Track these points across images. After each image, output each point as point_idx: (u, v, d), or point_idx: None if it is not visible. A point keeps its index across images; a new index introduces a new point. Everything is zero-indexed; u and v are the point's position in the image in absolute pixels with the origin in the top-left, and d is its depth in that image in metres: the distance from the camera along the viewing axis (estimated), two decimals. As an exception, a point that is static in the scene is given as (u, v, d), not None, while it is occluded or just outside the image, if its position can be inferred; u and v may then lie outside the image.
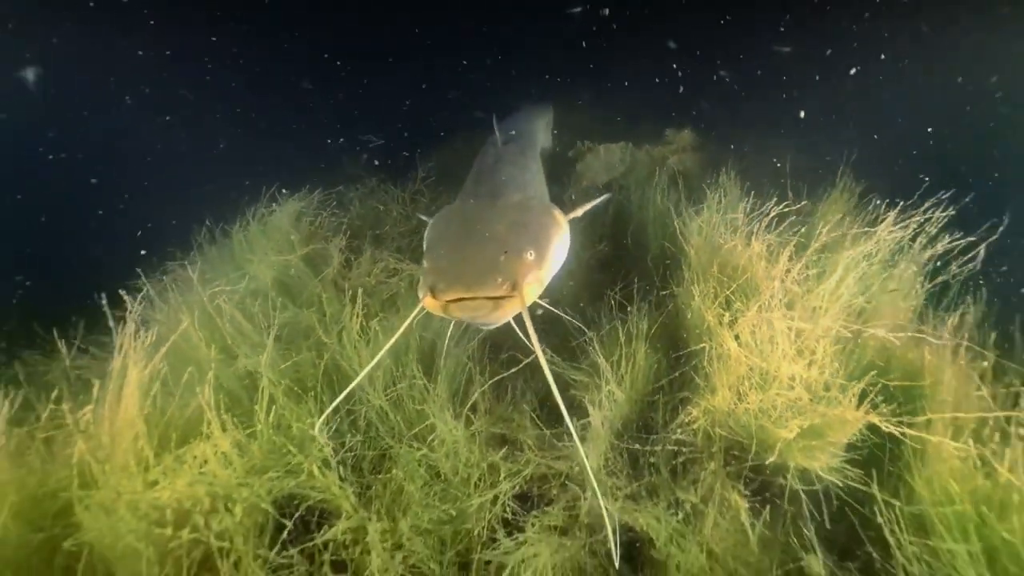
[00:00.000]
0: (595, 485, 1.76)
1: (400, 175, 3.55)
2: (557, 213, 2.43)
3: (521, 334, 2.18)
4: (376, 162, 3.67)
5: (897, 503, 1.65)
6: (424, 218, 2.84)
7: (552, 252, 2.19)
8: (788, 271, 2.11)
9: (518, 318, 1.99)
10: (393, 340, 1.83)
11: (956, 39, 4.15)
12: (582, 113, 4.34)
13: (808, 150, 3.97)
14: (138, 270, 2.49)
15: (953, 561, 1.52)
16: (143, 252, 2.71)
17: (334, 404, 1.88)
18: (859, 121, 4.27)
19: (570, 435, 2.04)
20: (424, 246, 2.31)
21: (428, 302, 1.92)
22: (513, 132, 3.36)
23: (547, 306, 2.37)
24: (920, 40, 4.42)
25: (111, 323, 1.99)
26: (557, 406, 1.63)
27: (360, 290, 2.39)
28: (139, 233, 2.96)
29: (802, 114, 4.11)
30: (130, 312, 2.09)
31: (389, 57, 4.52)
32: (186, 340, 2.24)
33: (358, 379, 1.87)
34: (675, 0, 5.05)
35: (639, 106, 4.29)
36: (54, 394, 2.04)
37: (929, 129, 4.25)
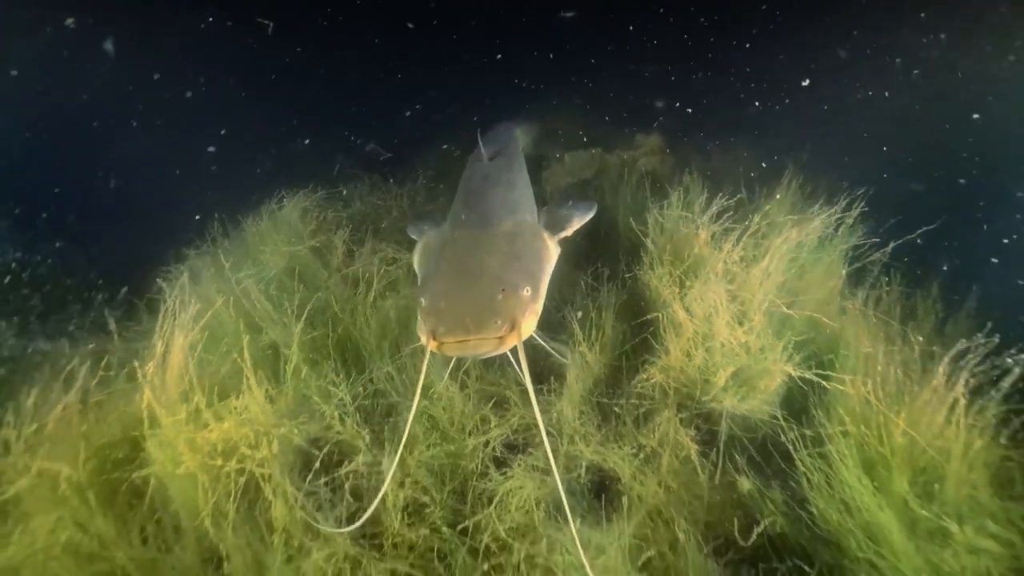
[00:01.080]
0: (545, 436, 1.89)
1: (396, 174, 4.02)
2: (547, 238, 2.60)
3: (513, 360, 2.36)
4: (375, 162, 4.13)
5: (807, 431, 2.18)
6: (412, 236, 2.98)
7: (545, 280, 2.37)
8: (729, 254, 2.65)
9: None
10: (420, 383, 1.96)
11: (910, 42, 4.73)
12: (558, 119, 4.85)
13: (767, 152, 4.54)
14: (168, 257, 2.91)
15: (842, 469, 2.04)
16: (164, 244, 3.13)
17: (400, 445, 1.96)
18: (814, 125, 4.85)
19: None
20: (418, 278, 2.45)
21: (424, 342, 2.10)
22: (498, 147, 3.47)
23: (541, 340, 2.44)
24: (872, 46, 5.02)
25: (164, 291, 2.42)
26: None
27: (369, 274, 2.88)
28: (158, 228, 3.36)
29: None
30: (168, 293, 2.54)
31: (386, 61, 4.99)
32: (215, 317, 2.68)
33: (408, 423, 1.95)
34: (650, 10, 5.60)
35: (612, 112, 4.82)
36: (103, 361, 2.49)
37: (880, 131, 4.86)
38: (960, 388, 2.04)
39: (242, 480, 2.10)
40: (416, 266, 2.58)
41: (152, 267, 2.91)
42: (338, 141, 4.29)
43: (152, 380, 2.24)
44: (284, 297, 2.80)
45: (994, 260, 3.32)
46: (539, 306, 2.25)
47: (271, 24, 3.89)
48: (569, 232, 2.83)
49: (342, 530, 2.02)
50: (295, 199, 3.46)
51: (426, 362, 2.04)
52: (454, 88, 5.12)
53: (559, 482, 1.83)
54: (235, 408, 2.18)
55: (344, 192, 3.64)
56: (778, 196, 3.50)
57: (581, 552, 1.77)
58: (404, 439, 1.97)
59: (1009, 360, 2.16)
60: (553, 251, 2.56)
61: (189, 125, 3.75)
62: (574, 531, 1.77)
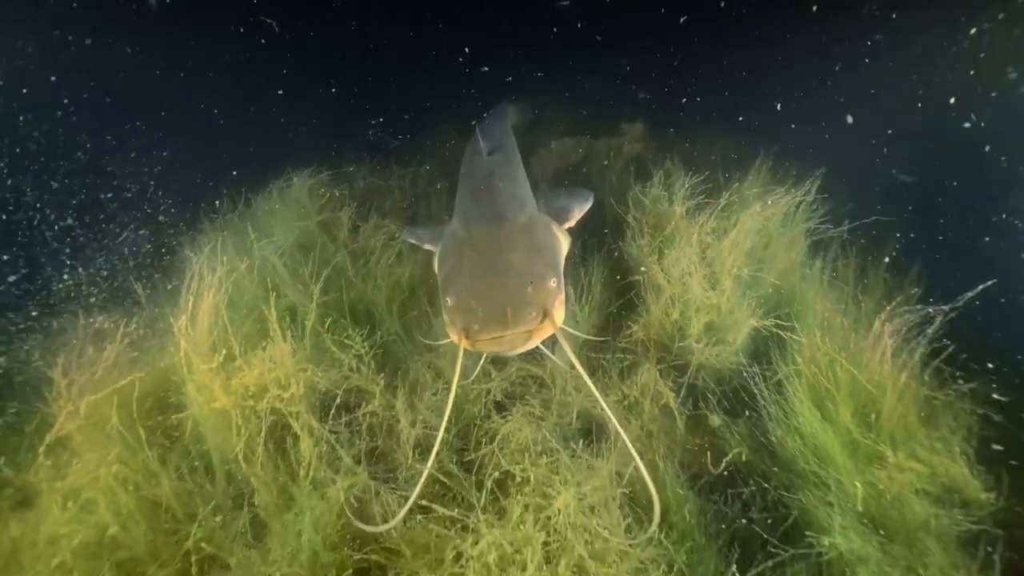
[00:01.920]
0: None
1: (397, 156, 4.36)
2: (556, 228, 2.70)
3: (546, 353, 2.53)
4: (378, 144, 4.46)
5: (768, 374, 2.59)
6: (410, 240, 3.12)
7: (562, 271, 2.45)
8: (703, 226, 3.05)
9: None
10: (455, 381, 2.08)
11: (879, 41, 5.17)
12: (548, 107, 5.24)
13: (744, 140, 4.96)
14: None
15: (796, 403, 2.45)
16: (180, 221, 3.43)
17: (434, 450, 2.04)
18: (789, 115, 5.28)
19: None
20: (440, 280, 2.52)
21: (457, 341, 2.14)
22: (495, 140, 3.55)
23: (569, 330, 2.44)
24: (839, 44, 5.47)
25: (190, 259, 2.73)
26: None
27: (375, 246, 3.22)
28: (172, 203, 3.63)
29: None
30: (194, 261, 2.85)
31: (386, 47, 5.31)
32: (235, 283, 2.99)
33: (444, 419, 2.05)
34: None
35: (600, 102, 5.22)
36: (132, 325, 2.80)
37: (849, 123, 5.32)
38: (889, 334, 2.47)
39: (271, 420, 2.43)
40: (439, 274, 2.60)
41: (169, 240, 3.20)
42: (341, 124, 4.59)
43: (185, 333, 2.57)
44: (297, 266, 3.13)
45: (939, 237, 3.79)
46: (564, 295, 2.32)
47: (275, 23, 4.16)
48: (572, 223, 2.95)
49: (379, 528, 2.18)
50: (302, 178, 3.78)
51: (459, 360, 2.10)
52: (448, 75, 5.47)
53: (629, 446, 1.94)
54: (262, 357, 2.51)
55: (351, 170, 3.97)
56: (750, 178, 3.93)
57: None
58: (438, 443, 2.03)
59: (930, 310, 2.60)
60: (565, 242, 2.66)
61: (201, 107, 4.01)
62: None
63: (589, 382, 2.05)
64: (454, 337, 2.21)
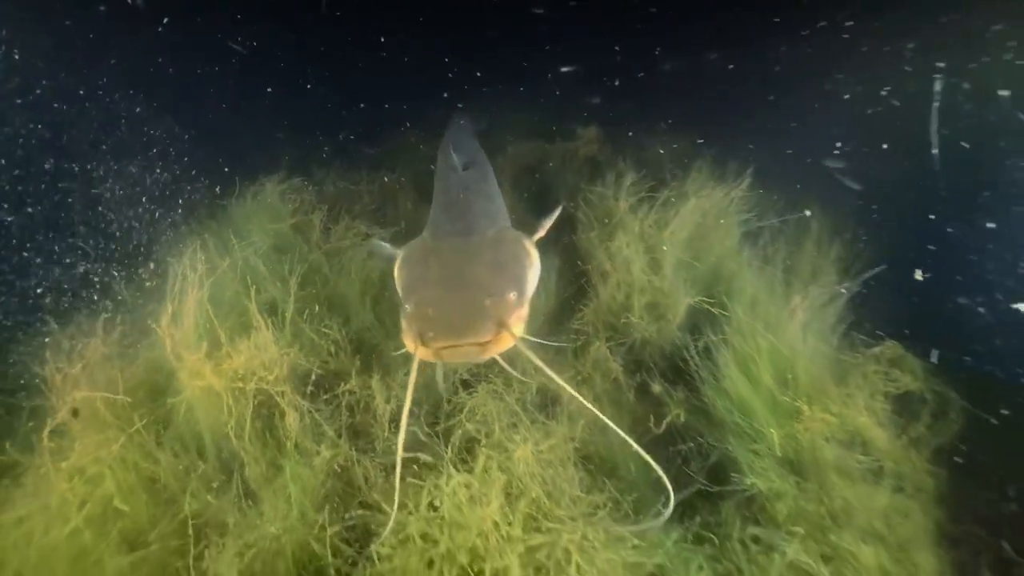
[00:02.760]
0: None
1: (365, 162, 4.70)
2: (527, 243, 2.73)
3: (504, 365, 2.65)
4: (345, 149, 4.79)
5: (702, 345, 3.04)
6: (383, 245, 3.18)
7: (531, 285, 2.51)
8: (645, 219, 3.50)
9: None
10: (410, 390, 2.10)
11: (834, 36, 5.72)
12: (507, 113, 5.66)
13: (690, 142, 5.46)
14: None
15: (725, 369, 2.90)
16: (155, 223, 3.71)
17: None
18: (733, 119, 5.82)
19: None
20: (399, 287, 2.60)
21: (419, 350, 2.18)
22: (467, 155, 3.62)
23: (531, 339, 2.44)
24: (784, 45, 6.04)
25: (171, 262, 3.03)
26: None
27: (347, 246, 3.57)
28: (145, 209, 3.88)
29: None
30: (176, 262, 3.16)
31: (352, 56, 5.66)
32: (217, 283, 3.30)
33: (403, 426, 2.09)
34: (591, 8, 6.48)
35: (557, 108, 5.67)
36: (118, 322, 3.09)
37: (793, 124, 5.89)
38: (801, 305, 2.94)
39: (257, 401, 2.75)
40: (396, 276, 2.68)
41: (150, 242, 3.48)
42: (311, 131, 4.91)
43: (172, 326, 2.87)
44: (274, 266, 3.45)
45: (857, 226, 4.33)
46: (526, 311, 2.38)
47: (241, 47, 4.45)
48: (543, 233, 3.05)
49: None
50: (272, 183, 4.09)
51: (414, 368, 2.16)
52: (412, 82, 5.86)
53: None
54: (248, 344, 2.83)
55: (315, 176, 4.30)
56: (692, 175, 4.41)
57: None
58: (401, 444, 2.10)
59: (843, 290, 3.09)
60: (534, 253, 2.70)
61: (174, 113, 4.24)
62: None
63: (567, 387, 2.16)
64: (409, 344, 2.26)
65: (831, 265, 3.75)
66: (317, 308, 3.26)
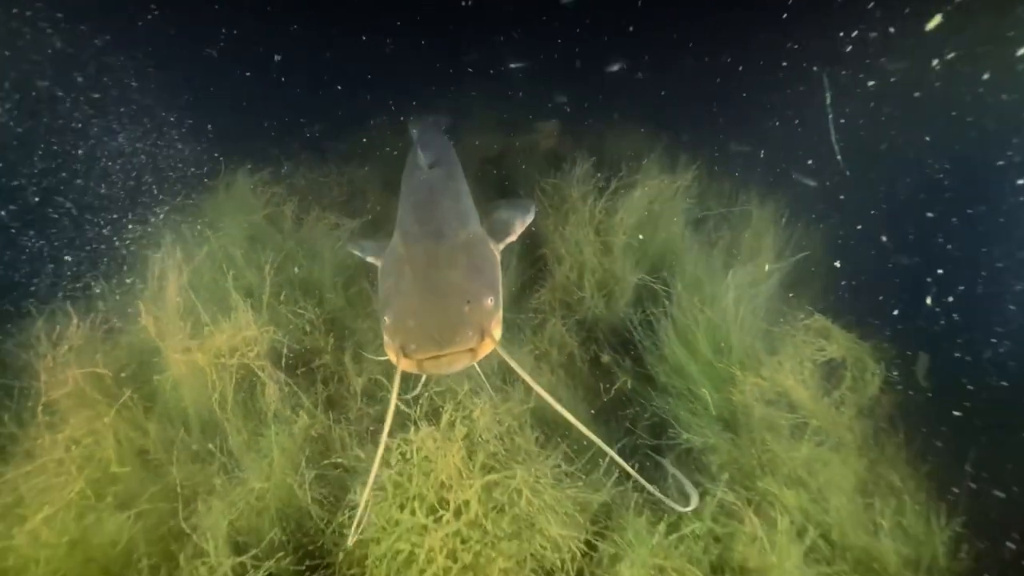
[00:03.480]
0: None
1: (334, 154, 4.96)
2: (493, 246, 2.80)
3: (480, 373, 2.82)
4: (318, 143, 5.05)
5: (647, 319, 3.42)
6: (354, 252, 3.28)
7: (500, 288, 2.54)
8: (596, 205, 3.87)
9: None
10: (392, 409, 2.13)
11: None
12: (473, 109, 5.99)
13: (645, 136, 5.86)
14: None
15: (667, 341, 3.28)
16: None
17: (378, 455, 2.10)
18: (688, 111, 6.22)
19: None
20: (380, 296, 2.62)
21: (401, 362, 2.19)
22: (435, 153, 3.56)
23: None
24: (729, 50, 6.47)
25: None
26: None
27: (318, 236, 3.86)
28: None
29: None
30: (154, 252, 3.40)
31: (320, 51, 5.91)
32: (195, 270, 3.55)
33: (384, 434, 2.12)
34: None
35: (519, 104, 6.02)
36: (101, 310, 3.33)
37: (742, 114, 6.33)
38: (735, 283, 3.35)
39: (239, 375, 3.03)
40: (380, 290, 2.69)
41: (127, 234, 3.70)
42: (282, 124, 5.13)
43: (155, 309, 3.13)
44: (249, 254, 3.71)
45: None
46: (501, 314, 2.40)
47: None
48: (514, 237, 3.06)
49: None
50: (244, 175, 4.34)
51: (397, 380, 2.17)
52: (378, 78, 6.15)
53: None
54: (229, 324, 3.10)
55: (285, 169, 4.55)
56: (644, 167, 4.80)
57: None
58: (381, 449, 2.13)
59: (767, 267, 3.51)
60: (497, 259, 2.73)
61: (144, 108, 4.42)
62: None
63: (540, 390, 2.21)
64: (392, 357, 2.26)
65: (767, 249, 4.19)
66: (292, 292, 3.54)
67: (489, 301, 2.36)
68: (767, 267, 3.53)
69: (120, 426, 2.89)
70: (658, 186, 4.16)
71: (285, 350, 3.18)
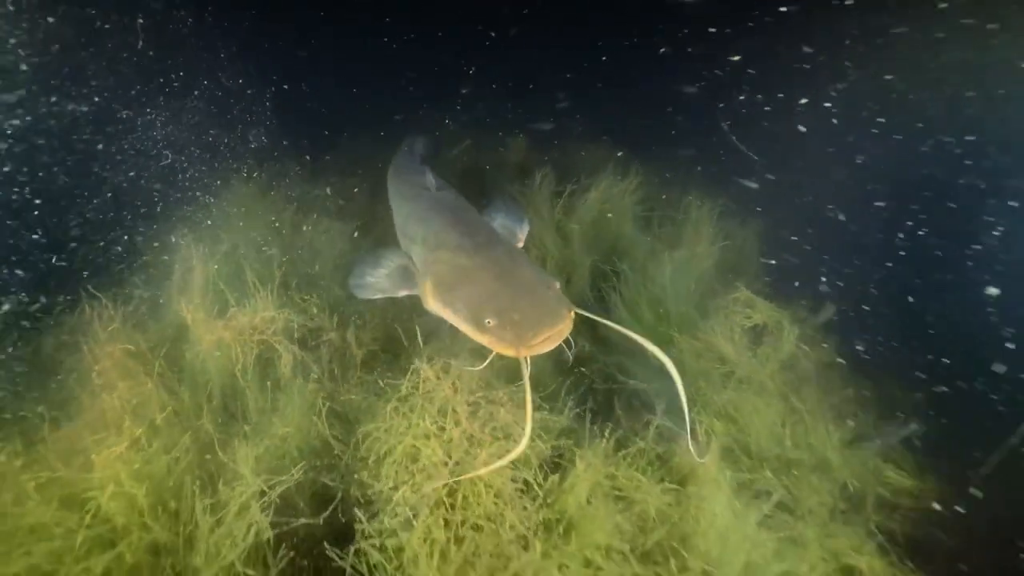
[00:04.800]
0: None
1: (325, 167, 5.64)
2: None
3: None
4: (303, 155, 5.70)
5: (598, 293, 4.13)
6: (383, 294, 3.50)
7: None
8: (556, 208, 4.61)
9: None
10: (528, 393, 2.28)
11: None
12: (450, 125, 6.76)
13: (603, 147, 6.66)
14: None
15: (616, 308, 3.99)
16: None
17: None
18: (642, 125, 7.06)
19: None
20: (462, 311, 2.78)
21: (516, 352, 2.47)
22: (430, 177, 3.92)
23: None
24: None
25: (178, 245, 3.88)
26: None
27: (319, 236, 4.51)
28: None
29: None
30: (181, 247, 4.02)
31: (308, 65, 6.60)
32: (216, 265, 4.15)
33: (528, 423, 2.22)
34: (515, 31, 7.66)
35: (491, 122, 6.81)
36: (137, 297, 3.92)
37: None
38: (669, 262, 4.10)
39: (258, 351, 3.63)
40: (464, 305, 2.82)
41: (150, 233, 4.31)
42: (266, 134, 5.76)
43: (183, 294, 3.74)
44: (260, 252, 4.35)
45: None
46: None
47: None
48: (522, 240, 3.66)
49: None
50: (244, 184, 4.99)
51: (527, 369, 2.40)
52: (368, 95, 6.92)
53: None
54: (249, 307, 3.72)
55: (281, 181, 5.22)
56: (602, 174, 5.57)
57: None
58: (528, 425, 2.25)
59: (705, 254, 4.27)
60: None
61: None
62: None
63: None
64: (508, 351, 2.55)
65: (704, 239, 4.97)
66: (300, 283, 4.17)
67: (557, 284, 2.81)
68: (703, 250, 4.31)
69: (158, 391, 3.46)
70: (609, 189, 4.94)
71: (296, 327, 3.80)
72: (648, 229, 4.92)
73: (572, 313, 2.68)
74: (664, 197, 5.36)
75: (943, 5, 5.11)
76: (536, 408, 3.22)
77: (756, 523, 2.98)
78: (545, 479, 2.78)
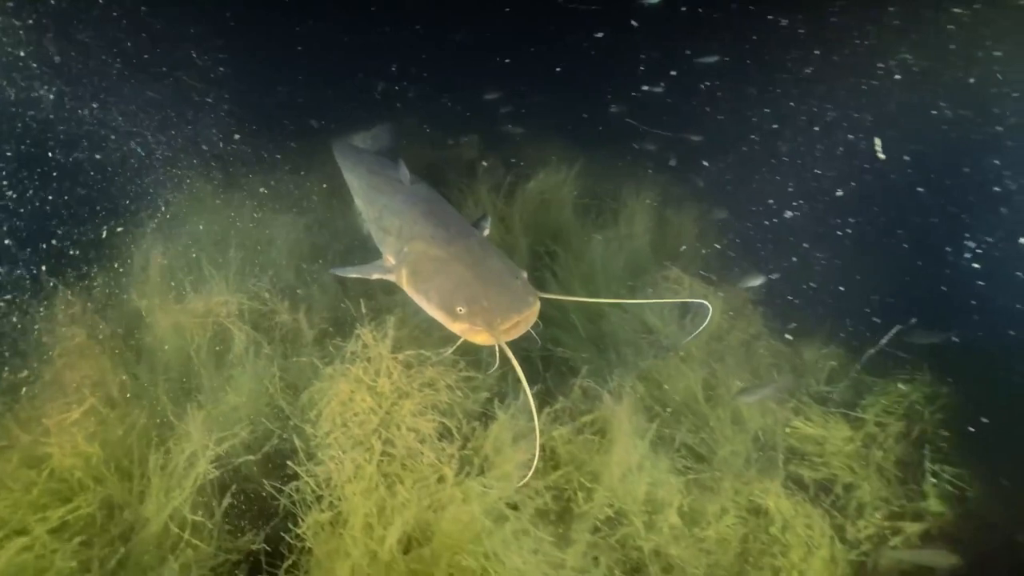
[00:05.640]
0: None
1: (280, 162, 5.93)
2: None
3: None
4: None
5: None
6: (358, 275, 3.68)
7: None
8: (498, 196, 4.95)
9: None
10: (521, 374, 2.56)
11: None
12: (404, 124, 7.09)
13: (547, 144, 6.99)
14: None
15: (552, 287, 4.31)
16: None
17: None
18: (582, 121, 7.40)
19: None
20: (434, 298, 2.98)
21: (485, 338, 2.69)
22: (401, 170, 4.04)
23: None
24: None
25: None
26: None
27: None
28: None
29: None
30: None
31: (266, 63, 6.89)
32: (170, 254, 4.41)
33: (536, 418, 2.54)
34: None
35: (445, 120, 7.16)
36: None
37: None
38: (600, 245, 4.44)
39: (212, 332, 3.88)
40: (436, 294, 3.00)
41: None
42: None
43: (143, 283, 4.00)
44: (216, 243, 4.61)
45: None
46: None
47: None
48: (488, 231, 3.87)
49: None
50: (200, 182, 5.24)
51: (509, 353, 2.61)
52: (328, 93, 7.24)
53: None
54: (205, 291, 3.98)
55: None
56: (543, 167, 5.93)
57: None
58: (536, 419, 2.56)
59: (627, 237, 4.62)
60: None
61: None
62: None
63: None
64: (478, 339, 2.75)
65: (639, 225, 5.34)
66: (253, 270, 4.44)
67: (524, 274, 2.99)
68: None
69: (116, 370, 3.70)
70: (548, 180, 5.31)
71: (247, 311, 4.06)
72: (586, 216, 5.28)
73: (538, 301, 2.89)
74: (603, 188, 5.72)
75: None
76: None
77: (667, 468, 3.27)
78: (472, 431, 3.06)
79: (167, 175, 4.95)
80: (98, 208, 4.52)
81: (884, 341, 4.17)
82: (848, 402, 3.95)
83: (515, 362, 2.61)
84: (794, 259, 5.37)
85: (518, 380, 3.46)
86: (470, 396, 3.31)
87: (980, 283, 4.76)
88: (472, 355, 3.78)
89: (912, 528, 3.26)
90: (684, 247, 5.39)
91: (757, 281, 4.85)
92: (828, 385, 4.23)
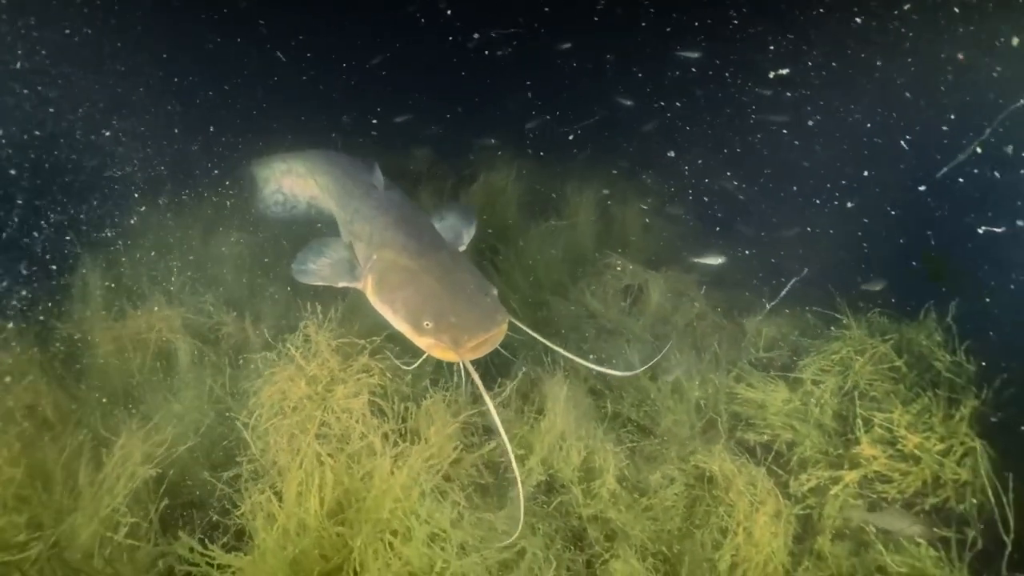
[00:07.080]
0: None
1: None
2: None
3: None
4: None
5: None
6: (322, 282, 3.47)
7: None
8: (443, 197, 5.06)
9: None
10: (487, 397, 2.56)
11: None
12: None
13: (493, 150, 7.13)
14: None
15: (496, 278, 4.40)
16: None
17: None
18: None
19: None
20: (401, 311, 2.91)
21: (450, 355, 2.64)
22: (375, 177, 3.89)
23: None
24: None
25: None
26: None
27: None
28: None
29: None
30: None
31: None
32: (116, 275, 4.43)
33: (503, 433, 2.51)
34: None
35: (398, 134, 7.29)
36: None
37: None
38: (540, 238, 4.55)
39: (156, 347, 3.90)
40: (403, 306, 2.93)
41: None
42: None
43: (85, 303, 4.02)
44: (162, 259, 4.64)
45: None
46: None
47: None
48: (464, 247, 3.66)
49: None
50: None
51: (472, 370, 2.61)
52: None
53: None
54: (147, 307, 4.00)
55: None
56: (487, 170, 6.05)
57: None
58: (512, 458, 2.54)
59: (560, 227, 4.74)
60: None
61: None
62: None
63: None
64: (443, 355, 2.70)
65: (581, 217, 5.46)
66: (200, 285, 4.47)
67: (495, 291, 2.93)
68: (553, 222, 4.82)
69: (53, 390, 3.68)
70: (491, 180, 5.45)
71: (191, 324, 4.08)
72: (530, 213, 5.41)
73: (508, 319, 2.82)
74: (547, 186, 5.87)
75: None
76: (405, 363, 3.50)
77: (602, 438, 3.31)
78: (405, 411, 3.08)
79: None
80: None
81: (784, 292, 4.46)
82: (787, 365, 4.03)
83: (476, 378, 2.60)
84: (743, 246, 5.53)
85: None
86: (408, 382, 3.33)
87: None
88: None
89: (850, 476, 3.31)
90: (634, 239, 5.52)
91: (717, 260, 4.99)
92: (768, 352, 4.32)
